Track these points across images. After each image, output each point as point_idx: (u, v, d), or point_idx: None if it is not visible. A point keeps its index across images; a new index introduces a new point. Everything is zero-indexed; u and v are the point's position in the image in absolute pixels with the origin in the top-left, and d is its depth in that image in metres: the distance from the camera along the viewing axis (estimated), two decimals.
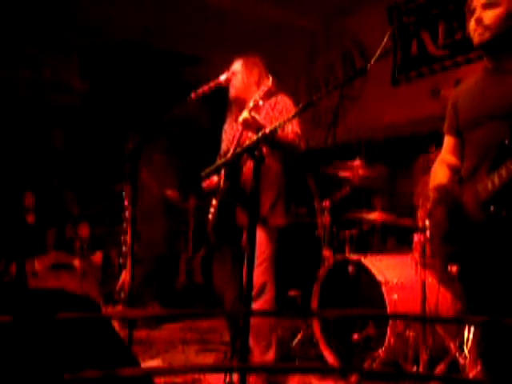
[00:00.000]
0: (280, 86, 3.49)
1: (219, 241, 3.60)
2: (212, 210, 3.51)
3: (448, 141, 2.57)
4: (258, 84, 3.49)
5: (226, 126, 3.74)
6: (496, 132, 2.26)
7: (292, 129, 3.37)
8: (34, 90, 7.23)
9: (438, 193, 2.47)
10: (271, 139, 3.16)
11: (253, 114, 3.19)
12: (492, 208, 2.22)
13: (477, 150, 2.37)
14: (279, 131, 3.28)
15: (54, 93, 7.35)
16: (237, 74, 3.56)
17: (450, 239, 2.39)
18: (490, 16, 2.32)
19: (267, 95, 3.40)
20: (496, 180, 2.21)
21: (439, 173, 2.56)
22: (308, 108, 2.31)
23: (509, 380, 2.24)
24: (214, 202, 3.51)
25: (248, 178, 3.21)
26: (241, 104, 3.51)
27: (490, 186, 2.23)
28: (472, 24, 2.36)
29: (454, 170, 2.52)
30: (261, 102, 3.31)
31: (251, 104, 3.29)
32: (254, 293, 3.04)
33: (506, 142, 2.21)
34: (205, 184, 3.60)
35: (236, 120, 3.46)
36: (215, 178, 3.53)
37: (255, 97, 3.30)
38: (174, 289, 6.38)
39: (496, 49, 2.36)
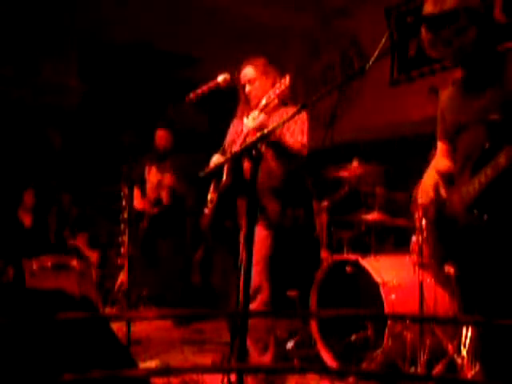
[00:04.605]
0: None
1: (217, 240, 3.60)
2: (210, 204, 3.50)
3: (441, 147, 2.60)
4: (274, 86, 3.48)
5: (234, 122, 3.72)
6: (477, 137, 2.29)
7: (301, 139, 3.39)
8: (33, 90, 7.23)
9: (425, 196, 2.51)
10: (280, 145, 3.17)
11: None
12: (475, 212, 2.25)
13: (461, 155, 2.41)
14: (289, 138, 3.30)
15: (53, 93, 7.35)
16: (253, 80, 3.53)
17: (443, 241, 2.42)
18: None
19: (284, 99, 3.42)
20: (476, 185, 2.25)
21: (426, 177, 2.60)
22: (306, 109, 2.32)
23: (508, 380, 2.24)
24: (211, 196, 3.49)
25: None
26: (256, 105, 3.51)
27: (471, 190, 2.27)
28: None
29: (445, 174, 2.53)
30: (276, 101, 3.30)
31: (264, 101, 3.28)
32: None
33: (486, 146, 2.23)
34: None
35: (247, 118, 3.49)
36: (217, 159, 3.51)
37: (270, 94, 3.29)
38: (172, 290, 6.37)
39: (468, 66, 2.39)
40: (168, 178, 5.57)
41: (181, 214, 5.70)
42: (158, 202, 5.55)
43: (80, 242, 6.19)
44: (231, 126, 3.73)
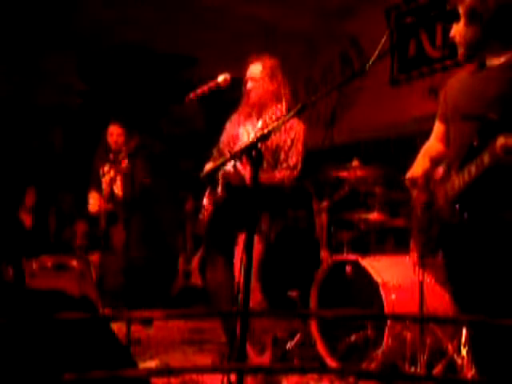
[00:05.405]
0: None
1: (211, 243, 3.58)
2: (205, 212, 3.47)
3: (438, 127, 2.59)
4: (277, 93, 3.44)
5: (232, 119, 3.66)
6: (469, 131, 2.30)
7: (288, 164, 3.36)
8: (33, 90, 7.23)
9: (411, 184, 2.52)
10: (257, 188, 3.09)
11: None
12: (457, 207, 2.27)
13: (453, 147, 2.43)
14: (264, 174, 3.17)
15: (53, 93, 7.36)
16: (257, 80, 3.46)
17: (425, 232, 2.44)
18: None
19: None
20: (460, 181, 2.26)
21: (418, 164, 2.60)
22: (306, 109, 2.32)
23: (502, 379, 2.24)
24: (206, 203, 3.46)
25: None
26: (258, 107, 3.48)
27: (456, 186, 2.28)
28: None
29: (437, 159, 2.53)
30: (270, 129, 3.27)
31: (259, 125, 3.26)
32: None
33: (475, 143, 2.23)
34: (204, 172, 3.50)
35: (245, 118, 3.48)
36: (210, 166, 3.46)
37: (266, 118, 3.27)
38: (172, 290, 6.38)
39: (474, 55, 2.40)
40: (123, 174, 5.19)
41: (145, 208, 5.39)
42: (111, 197, 5.21)
43: (80, 229, 6.13)
44: (228, 123, 3.67)
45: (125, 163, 5.08)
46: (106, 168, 5.23)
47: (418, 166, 2.58)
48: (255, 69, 3.49)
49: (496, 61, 2.32)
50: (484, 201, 2.23)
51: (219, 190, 3.38)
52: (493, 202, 2.23)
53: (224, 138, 3.64)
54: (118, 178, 5.18)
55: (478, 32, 2.30)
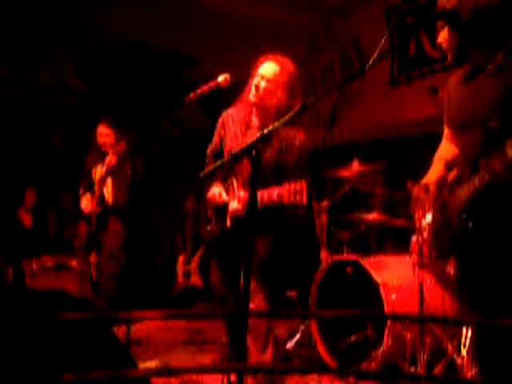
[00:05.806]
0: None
1: (218, 256, 3.52)
2: (210, 227, 3.39)
3: (447, 132, 2.59)
4: (287, 106, 3.10)
5: (228, 117, 3.46)
6: (474, 140, 2.30)
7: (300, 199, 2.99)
8: (33, 90, 7.23)
9: (424, 191, 2.52)
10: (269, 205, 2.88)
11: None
12: (464, 216, 2.29)
13: (461, 157, 2.43)
14: (275, 196, 2.89)
15: (53, 93, 7.35)
16: (270, 81, 3.16)
17: (438, 237, 2.46)
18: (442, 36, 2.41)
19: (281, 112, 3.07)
20: (466, 191, 2.28)
21: (433, 169, 2.60)
22: (305, 109, 2.31)
23: (505, 380, 2.24)
24: (209, 212, 3.40)
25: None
26: (260, 112, 3.27)
27: (463, 195, 2.30)
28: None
29: (453, 162, 2.53)
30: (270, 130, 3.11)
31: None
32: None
33: (480, 154, 2.24)
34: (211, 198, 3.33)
35: (245, 118, 3.35)
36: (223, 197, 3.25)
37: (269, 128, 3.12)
38: (172, 290, 6.38)
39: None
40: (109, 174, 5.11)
41: (138, 210, 5.29)
42: (101, 200, 5.11)
43: (81, 230, 6.12)
44: (220, 121, 3.49)
45: (114, 164, 5.03)
46: (98, 169, 5.19)
47: (433, 172, 2.58)
48: (273, 68, 3.20)
49: (487, 66, 2.33)
50: (485, 212, 2.25)
51: (228, 223, 3.21)
52: (496, 213, 2.24)
53: (215, 139, 3.51)
54: (108, 180, 5.11)
55: (460, 38, 2.31)
